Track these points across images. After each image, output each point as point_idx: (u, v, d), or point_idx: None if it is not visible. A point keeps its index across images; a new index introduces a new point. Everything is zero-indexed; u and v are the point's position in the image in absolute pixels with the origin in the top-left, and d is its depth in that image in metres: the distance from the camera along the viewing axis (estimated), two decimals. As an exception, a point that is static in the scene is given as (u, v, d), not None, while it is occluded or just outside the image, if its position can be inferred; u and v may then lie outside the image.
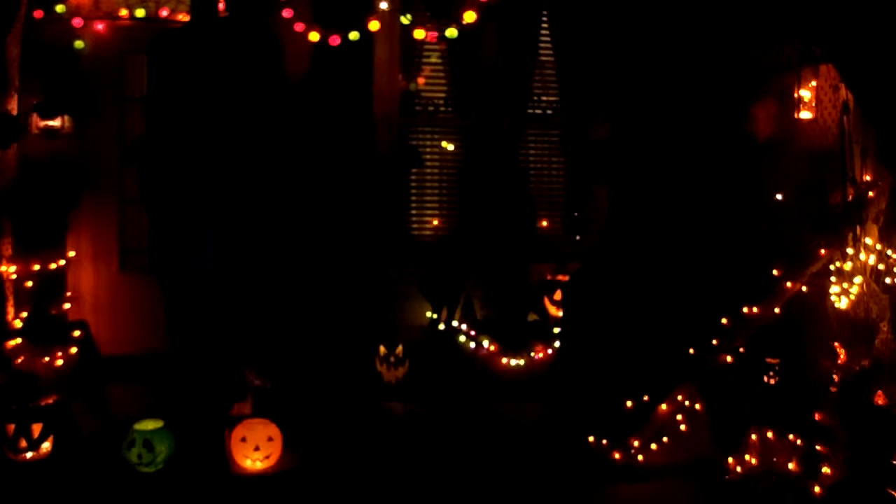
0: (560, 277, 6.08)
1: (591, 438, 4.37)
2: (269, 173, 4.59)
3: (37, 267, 5.22)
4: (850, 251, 4.17)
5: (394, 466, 4.27)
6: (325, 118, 5.83)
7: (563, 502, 4.01)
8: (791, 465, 3.82)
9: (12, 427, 4.13)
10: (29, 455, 4.14)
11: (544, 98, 6.69)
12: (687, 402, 4.30)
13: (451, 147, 6.49)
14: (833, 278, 4.23)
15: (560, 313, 5.75)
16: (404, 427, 4.91)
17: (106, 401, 4.90)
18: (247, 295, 4.56)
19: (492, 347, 5.66)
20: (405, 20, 6.09)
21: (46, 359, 4.82)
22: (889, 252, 3.96)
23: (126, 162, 5.77)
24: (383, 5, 5.93)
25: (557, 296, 5.99)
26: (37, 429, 4.15)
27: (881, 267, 4.00)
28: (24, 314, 5.07)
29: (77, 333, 5.04)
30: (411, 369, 5.51)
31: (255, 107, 4.53)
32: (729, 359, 4.28)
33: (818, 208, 4.50)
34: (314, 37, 5.79)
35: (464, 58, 6.34)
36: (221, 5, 4.70)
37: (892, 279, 3.93)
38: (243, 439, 4.18)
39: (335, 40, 5.79)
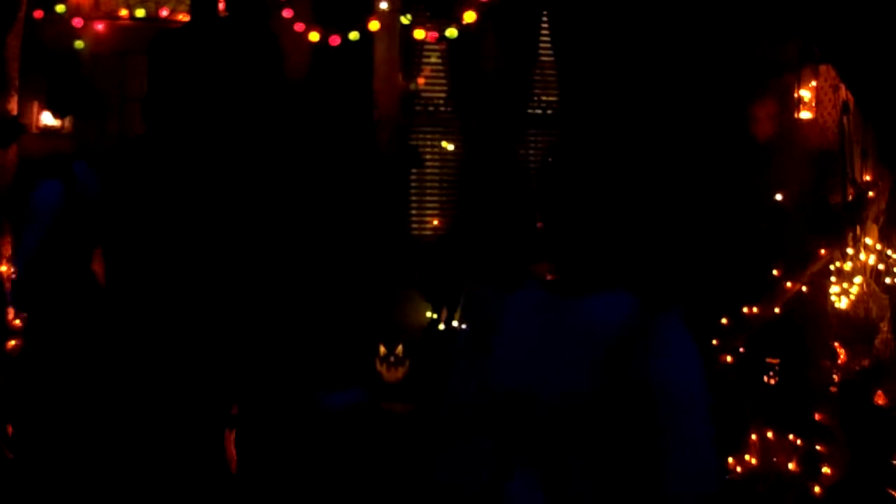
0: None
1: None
2: (268, 173, 4.59)
3: (37, 267, 5.21)
4: (850, 251, 4.17)
5: (394, 466, 4.26)
6: (325, 118, 5.82)
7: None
8: (791, 465, 3.82)
9: (12, 427, 4.13)
10: (29, 455, 4.14)
11: (544, 98, 6.69)
12: (687, 402, 4.29)
13: (451, 147, 6.48)
14: (833, 278, 4.23)
15: (560, 313, 5.75)
16: (405, 427, 4.91)
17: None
18: (247, 294, 4.55)
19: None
20: (405, 20, 6.09)
21: (46, 359, 4.81)
22: (889, 252, 3.96)
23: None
24: (383, 5, 5.92)
25: (557, 296, 5.99)
26: (37, 429, 4.15)
27: (881, 267, 4.00)
28: (25, 314, 5.07)
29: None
30: (411, 369, 5.51)
31: (256, 107, 4.53)
32: (729, 359, 4.28)
33: (818, 208, 4.51)
34: (314, 37, 5.79)
35: (464, 58, 6.33)
36: (221, 5, 4.70)
37: (892, 279, 3.93)
38: (243, 439, 4.18)
39: (335, 40, 5.78)
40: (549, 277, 5.91)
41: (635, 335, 1.69)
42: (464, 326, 1.90)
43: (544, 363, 1.72)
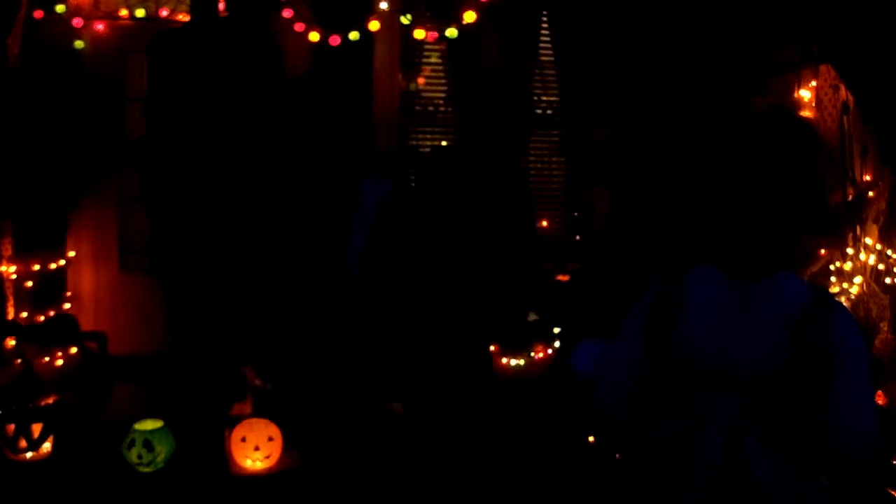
0: (560, 277, 6.07)
1: (591, 438, 4.37)
2: (269, 173, 4.59)
3: (37, 267, 5.23)
4: (850, 251, 4.17)
5: (394, 466, 4.26)
6: (325, 118, 5.82)
7: (561, 501, 4.02)
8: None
9: (12, 427, 4.13)
10: (29, 455, 4.14)
11: (544, 98, 6.68)
12: (687, 402, 4.29)
13: (450, 147, 6.48)
14: (833, 278, 4.23)
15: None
16: (405, 427, 4.91)
17: (108, 400, 4.90)
18: (247, 295, 4.56)
19: (492, 347, 5.65)
20: (405, 20, 6.09)
21: (46, 359, 4.82)
22: (889, 252, 3.96)
23: (126, 162, 5.77)
24: (383, 5, 5.93)
25: (557, 296, 5.99)
26: (37, 429, 4.15)
27: (881, 267, 4.00)
28: (24, 314, 5.07)
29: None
30: (411, 369, 5.50)
31: (256, 107, 4.53)
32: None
33: (818, 208, 4.50)
34: (314, 37, 5.79)
35: (464, 58, 6.33)
36: (221, 5, 4.70)
37: (892, 279, 3.93)
38: (243, 439, 4.18)
39: (335, 40, 5.79)
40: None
41: (814, 311, 1.96)
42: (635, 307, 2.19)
43: (738, 336, 1.99)
